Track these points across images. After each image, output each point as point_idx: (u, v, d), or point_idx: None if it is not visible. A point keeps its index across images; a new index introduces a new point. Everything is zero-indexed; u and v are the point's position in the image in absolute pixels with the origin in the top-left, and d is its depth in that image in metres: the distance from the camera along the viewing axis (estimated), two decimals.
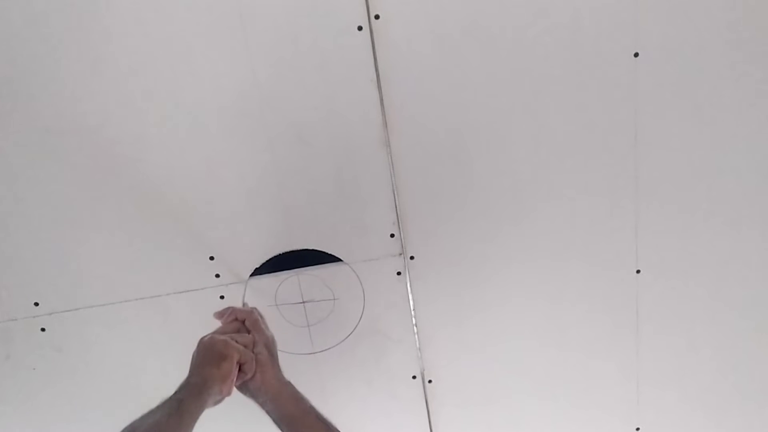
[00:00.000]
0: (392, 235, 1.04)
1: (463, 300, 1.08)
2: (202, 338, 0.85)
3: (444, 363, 1.13)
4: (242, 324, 0.90)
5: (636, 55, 0.94)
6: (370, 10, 0.91)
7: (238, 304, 1.00)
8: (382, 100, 0.96)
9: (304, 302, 1.07)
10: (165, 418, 0.73)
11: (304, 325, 1.08)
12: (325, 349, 1.10)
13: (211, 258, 1.04)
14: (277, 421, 0.85)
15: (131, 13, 0.90)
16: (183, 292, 1.06)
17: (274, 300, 1.06)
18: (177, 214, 1.01)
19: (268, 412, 0.86)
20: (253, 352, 0.86)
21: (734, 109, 0.97)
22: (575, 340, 1.11)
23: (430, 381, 1.14)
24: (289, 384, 0.88)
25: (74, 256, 1.03)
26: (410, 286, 1.07)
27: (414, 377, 1.13)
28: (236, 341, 0.85)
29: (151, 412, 0.75)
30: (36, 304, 1.06)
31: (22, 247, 1.02)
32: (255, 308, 0.94)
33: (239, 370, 0.83)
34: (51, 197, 1.00)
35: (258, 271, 1.05)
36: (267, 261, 1.04)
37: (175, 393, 0.78)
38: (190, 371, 0.82)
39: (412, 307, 1.09)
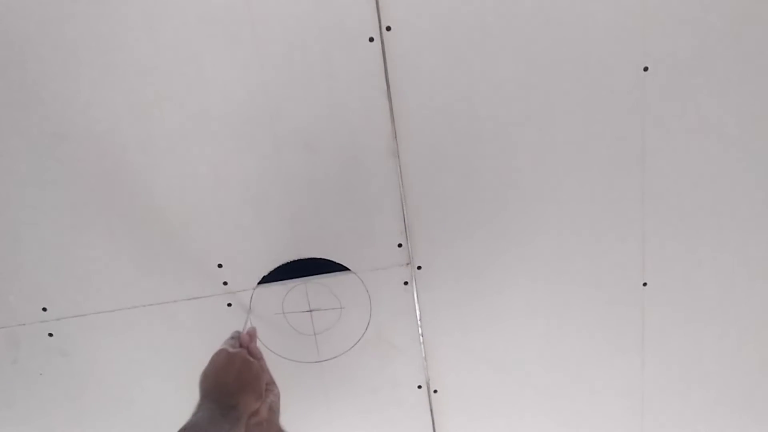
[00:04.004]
0: (400, 245, 1.04)
1: (469, 310, 1.09)
2: (229, 351, 0.82)
3: (449, 373, 1.13)
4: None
5: (645, 69, 0.94)
6: (382, 21, 0.91)
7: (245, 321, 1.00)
8: (392, 110, 0.96)
9: (311, 310, 1.07)
10: None
11: (311, 334, 1.09)
12: (332, 358, 1.10)
13: (219, 265, 1.04)
14: None
15: (142, 21, 0.91)
16: (190, 299, 1.06)
17: (282, 308, 1.07)
18: (185, 221, 1.02)
19: None
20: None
21: (741, 122, 0.98)
22: (581, 352, 1.11)
23: (435, 391, 1.14)
24: None
25: (82, 261, 1.03)
26: (417, 295, 1.07)
27: (419, 387, 1.13)
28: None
29: None
30: (44, 309, 1.06)
31: (31, 253, 1.03)
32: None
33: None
34: (60, 203, 1.00)
35: (266, 279, 1.05)
36: (275, 269, 1.04)
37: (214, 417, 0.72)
38: (219, 389, 0.77)
39: (418, 317, 1.09)
